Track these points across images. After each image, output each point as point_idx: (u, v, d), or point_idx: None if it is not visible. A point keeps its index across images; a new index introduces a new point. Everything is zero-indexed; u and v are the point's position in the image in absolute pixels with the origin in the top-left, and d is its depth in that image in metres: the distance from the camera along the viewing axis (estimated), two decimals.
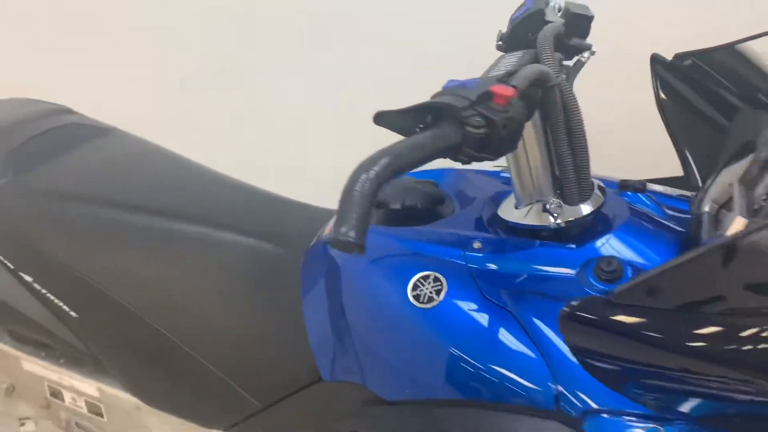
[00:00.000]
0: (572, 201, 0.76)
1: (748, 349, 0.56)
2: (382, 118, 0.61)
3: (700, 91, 0.94)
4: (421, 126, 0.62)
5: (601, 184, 0.81)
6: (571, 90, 0.76)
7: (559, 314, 0.63)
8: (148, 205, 1.10)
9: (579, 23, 0.88)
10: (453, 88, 0.62)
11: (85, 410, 1.17)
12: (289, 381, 0.92)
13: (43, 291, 1.07)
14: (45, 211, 1.09)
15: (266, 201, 1.14)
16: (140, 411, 1.08)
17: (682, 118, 0.95)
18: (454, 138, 0.59)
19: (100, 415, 1.15)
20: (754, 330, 0.55)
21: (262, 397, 0.95)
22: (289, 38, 1.93)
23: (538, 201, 0.78)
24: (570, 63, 0.89)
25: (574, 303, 0.61)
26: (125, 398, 1.08)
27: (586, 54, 0.88)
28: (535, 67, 0.70)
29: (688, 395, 0.60)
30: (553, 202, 0.77)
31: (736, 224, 0.63)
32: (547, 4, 0.89)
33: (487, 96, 0.60)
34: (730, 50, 0.91)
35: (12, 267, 1.09)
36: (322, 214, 1.02)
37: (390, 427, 0.76)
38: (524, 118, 0.64)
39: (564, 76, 0.77)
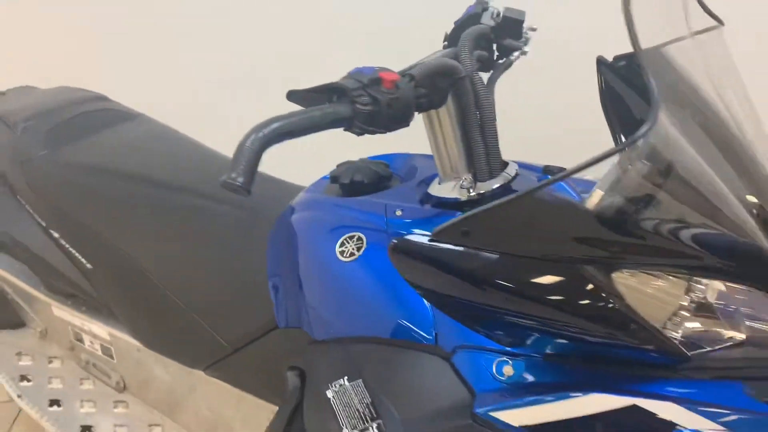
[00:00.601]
0: (483, 178, 0.89)
1: (549, 292, 0.66)
2: (293, 95, 0.75)
3: (633, 90, 1.04)
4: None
5: (517, 167, 0.93)
6: (482, 81, 0.88)
7: (389, 246, 0.75)
8: (158, 178, 1.29)
9: (512, 26, 1.00)
10: (354, 73, 0.76)
11: (99, 352, 1.36)
12: (253, 328, 1.08)
13: (67, 246, 1.27)
14: (73, 179, 1.29)
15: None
16: (140, 353, 1.26)
17: (619, 115, 1.05)
18: (345, 113, 0.72)
19: (111, 356, 1.34)
20: (550, 274, 0.66)
21: (231, 342, 1.11)
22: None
23: (455, 178, 0.90)
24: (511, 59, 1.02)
25: (400, 238, 0.72)
26: (130, 342, 1.26)
27: (516, 53, 1.00)
28: (438, 60, 0.83)
29: (524, 333, 0.71)
30: (467, 178, 0.89)
31: (593, 195, 0.74)
32: (485, 8, 1.02)
33: (377, 80, 0.74)
34: (656, 52, 1.01)
35: (44, 224, 1.30)
36: (297, 190, 1.17)
37: (315, 362, 0.90)
38: (411, 100, 0.76)
39: (476, 69, 0.89)
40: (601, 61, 1.04)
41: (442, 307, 0.73)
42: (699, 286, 0.71)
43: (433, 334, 0.79)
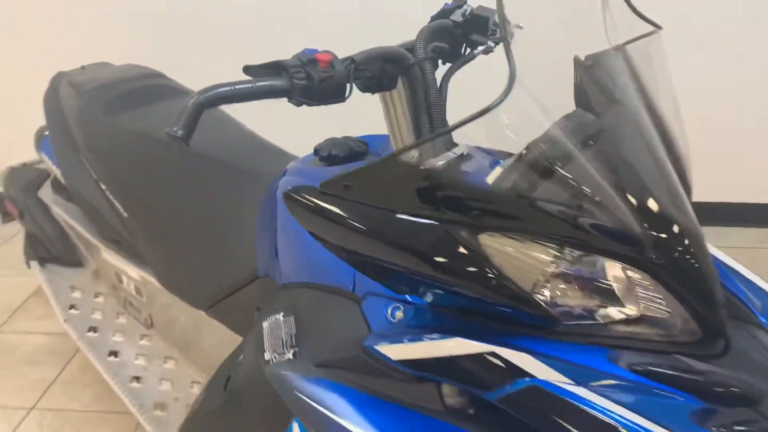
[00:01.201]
0: (427, 156, 1.00)
1: (420, 248, 0.76)
2: (249, 70, 0.90)
3: (598, 87, 1.11)
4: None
5: (467, 149, 1.03)
6: (432, 69, 0.99)
7: (282, 194, 0.87)
8: (192, 148, 1.48)
9: (480, 24, 1.10)
10: (299, 53, 0.90)
11: (134, 292, 1.58)
12: (241, 277, 1.24)
13: (111, 197, 1.49)
14: (121, 141, 1.51)
15: (260, 148, 1.48)
16: (163, 294, 1.46)
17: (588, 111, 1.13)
18: (283, 86, 0.86)
19: (142, 296, 1.56)
20: (420, 231, 0.76)
21: (225, 288, 1.28)
22: None
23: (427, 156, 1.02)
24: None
25: (294, 187, 0.84)
26: (154, 283, 1.47)
27: (480, 48, 1.10)
28: (386, 48, 0.95)
29: (409, 284, 0.82)
30: (414, 155, 1.01)
31: (495, 171, 0.84)
32: (459, 6, 1.13)
33: (313, 60, 0.87)
34: (617, 52, 1.08)
35: (95, 177, 1.53)
36: (292, 158, 1.33)
37: (268, 302, 1.05)
38: (344, 80, 0.89)
39: (428, 58, 1.00)
40: (576, 61, 1.12)
41: (336, 255, 0.85)
42: (569, 256, 0.79)
43: (352, 282, 0.92)
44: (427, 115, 0.99)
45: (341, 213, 0.77)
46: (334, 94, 0.90)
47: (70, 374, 1.92)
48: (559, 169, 0.79)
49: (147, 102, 1.62)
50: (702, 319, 0.80)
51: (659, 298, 0.80)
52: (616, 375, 0.77)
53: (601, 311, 0.80)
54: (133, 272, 1.54)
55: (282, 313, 0.98)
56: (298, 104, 0.89)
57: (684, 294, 0.79)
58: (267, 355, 0.93)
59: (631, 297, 0.81)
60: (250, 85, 0.85)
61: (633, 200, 0.80)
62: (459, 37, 1.10)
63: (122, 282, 1.61)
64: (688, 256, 0.80)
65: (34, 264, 1.77)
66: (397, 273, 0.80)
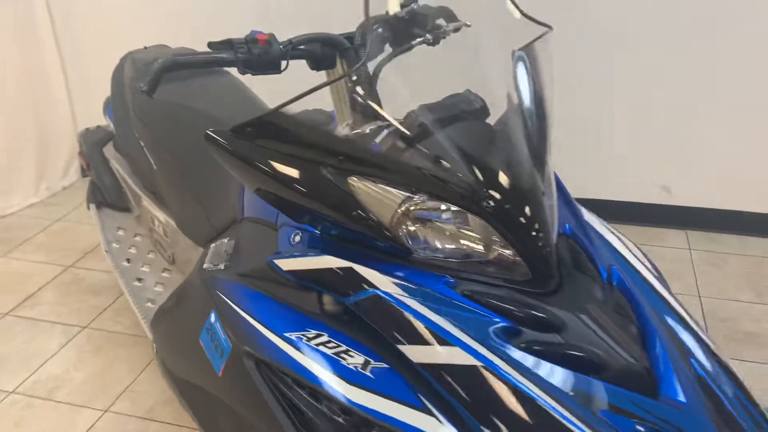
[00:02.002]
0: (359, 124, 1.24)
1: (303, 186, 0.98)
2: (212, 45, 1.17)
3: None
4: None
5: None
6: (364, 54, 1.22)
7: (204, 134, 1.11)
8: (214, 114, 1.78)
9: (420, 19, 1.32)
10: (248, 33, 1.16)
11: (162, 233, 1.91)
12: (229, 218, 1.53)
13: (147, 154, 1.82)
14: (158, 108, 1.83)
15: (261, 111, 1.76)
16: (177, 233, 1.77)
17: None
18: (229, 58, 1.12)
19: (167, 236, 1.88)
20: (303, 170, 0.98)
21: (217, 228, 1.57)
22: None
23: (344, 123, 1.26)
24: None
25: (214, 129, 1.07)
26: (172, 224, 1.79)
27: (417, 40, 1.31)
28: (325, 34, 1.20)
29: (302, 214, 1.05)
30: (348, 124, 1.25)
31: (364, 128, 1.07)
32: (407, 4, 1.35)
33: (254, 39, 1.13)
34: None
35: (137, 137, 1.86)
36: None
37: (235, 234, 1.32)
38: (278, 56, 1.14)
39: (362, 44, 1.23)
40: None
41: (249, 188, 1.10)
42: (419, 199, 1.00)
43: (276, 216, 1.17)
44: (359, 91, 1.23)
45: (244, 153, 1.02)
46: (270, 67, 1.15)
47: (119, 304, 2.30)
48: (417, 135, 1.01)
49: (185, 78, 1.93)
50: (531, 262, 0.99)
51: (498, 242, 1.00)
52: (446, 295, 0.98)
53: (446, 247, 1.01)
54: (161, 217, 1.87)
55: (227, 238, 1.25)
56: (243, 73, 1.16)
57: (513, 239, 0.99)
58: (205, 265, 1.20)
59: (477, 239, 1.01)
60: (205, 56, 1.13)
61: (475, 163, 1.00)
62: (401, 29, 1.32)
63: (155, 225, 1.94)
64: (518, 210, 0.99)
65: (92, 206, 2.15)
66: (292, 205, 1.05)
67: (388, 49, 1.30)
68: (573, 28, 2.42)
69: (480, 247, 1.01)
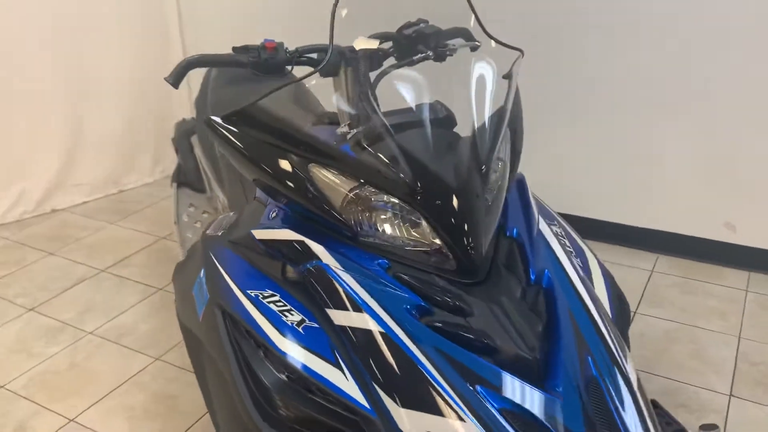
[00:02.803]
0: (354, 126, 1.41)
1: (273, 169, 1.18)
2: (235, 49, 1.40)
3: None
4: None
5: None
6: (367, 64, 1.38)
7: (204, 120, 1.31)
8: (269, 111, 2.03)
9: (424, 38, 1.47)
10: (262, 41, 1.37)
11: (222, 212, 2.18)
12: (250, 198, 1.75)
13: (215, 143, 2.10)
14: (226, 102, 2.11)
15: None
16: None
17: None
18: (244, 60, 1.34)
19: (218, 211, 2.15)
20: (274, 157, 1.17)
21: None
22: None
23: (345, 123, 1.45)
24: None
25: (210, 116, 1.26)
26: (227, 204, 2.05)
27: (419, 56, 1.46)
28: (324, 45, 1.39)
29: (276, 195, 1.24)
30: (345, 126, 1.43)
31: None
32: (415, 24, 1.51)
33: (263, 46, 1.34)
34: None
35: (210, 111, 2.15)
36: None
37: (240, 210, 1.54)
38: (283, 61, 1.34)
39: (367, 56, 1.40)
40: None
41: (238, 168, 1.30)
42: (367, 190, 1.16)
43: (265, 196, 1.38)
44: (359, 95, 1.40)
45: (230, 138, 1.24)
46: (276, 70, 1.36)
47: None
48: (376, 135, 1.18)
49: (257, 80, 2.20)
50: (456, 255, 1.13)
51: (431, 234, 1.14)
52: (376, 274, 1.14)
53: (386, 234, 1.17)
54: (222, 197, 2.14)
55: (233, 213, 1.47)
56: (253, 74, 1.37)
57: (441, 233, 1.13)
58: (208, 231, 1.43)
59: (415, 231, 1.16)
60: (225, 57, 1.35)
61: (416, 162, 1.15)
62: (406, 46, 1.48)
63: (219, 206, 2.23)
64: (448, 207, 1.13)
65: (174, 185, 2.49)
66: (267, 186, 1.25)
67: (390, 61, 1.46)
68: (644, 55, 2.44)
69: (416, 237, 1.15)
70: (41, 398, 1.97)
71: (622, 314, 1.33)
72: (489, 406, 0.97)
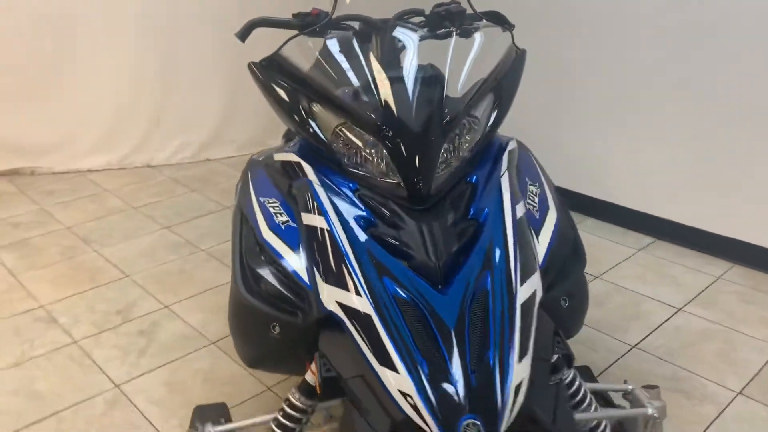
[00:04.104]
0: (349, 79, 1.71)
1: (291, 108, 1.52)
2: (293, 15, 1.76)
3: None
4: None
5: None
6: (393, 34, 1.68)
7: (249, 65, 1.65)
8: None
9: (452, 16, 1.73)
10: (310, 10, 1.72)
11: None
12: None
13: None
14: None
15: None
16: None
17: None
18: (296, 23, 1.70)
19: None
20: (290, 98, 1.50)
21: None
22: None
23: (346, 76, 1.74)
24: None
25: (253, 61, 1.60)
26: None
27: (442, 30, 1.72)
28: (359, 15, 1.71)
29: (295, 127, 1.58)
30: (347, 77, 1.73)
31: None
32: (446, 4, 1.77)
33: (309, 12, 1.69)
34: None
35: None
36: None
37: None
38: (324, 25, 1.68)
39: (394, 27, 1.69)
40: None
41: (274, 110, 1.66)
42: (347, 125, 1.46)
43: None
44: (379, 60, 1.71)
45: (261, 80, 1.60)
46: (319, 34, 1.70)
47: None
48: (366, 84, 1.48)
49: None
50: (407, 185, 1.40)
51: (392, 168, 1.43)
52: (344, 192, 1.44)
53: (359, 162, 1.47)
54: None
55: (280, 146, 1.84)
56: (299, 33, 1.73)
57: (397, 166, 1.41)
58: (254, 156, 1.81)
59: (381, 163, 1.45)
60: (282, 19, 1.72)
61: (388, 108, 1.43)
62: (434, 21, 1.75)
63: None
64: (406, 148, 1.40)
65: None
66: (287, 120, 1.60)
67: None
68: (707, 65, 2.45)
69: (381, 169, 1.44)
70: (151, 289, 2.51)
71: (572, 261, 1.52)
72: (385, 290, 1.24)
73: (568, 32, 2.91)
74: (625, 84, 2.78)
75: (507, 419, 1.13)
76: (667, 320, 2.30)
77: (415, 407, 1.13)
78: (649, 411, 1.47)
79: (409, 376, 1.15)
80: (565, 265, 1.52)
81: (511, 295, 1.27)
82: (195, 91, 3.80)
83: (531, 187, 1.59)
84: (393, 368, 1.16)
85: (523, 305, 1.27)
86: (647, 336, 2.21)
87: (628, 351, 2.14)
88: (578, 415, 1.45)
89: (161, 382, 2.00)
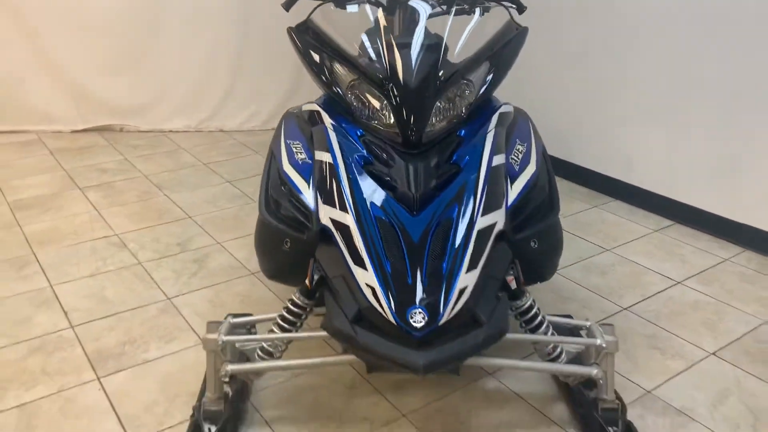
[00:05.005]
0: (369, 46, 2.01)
1: (322, 66, 1.82)
2: None
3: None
4: None
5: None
6: (415, 9, 1.96)
7: (287, 29, 1.95)
8: None
9: None
10: None
11: None
12: None
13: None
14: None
15: None
16: None
17: None
18: None
19: None
20: (318, 54, 1.81)
21: None
22: None
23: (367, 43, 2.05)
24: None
25: (292, 26, 1.90)
26: None
27: (454, 8, 1.99)
28: None
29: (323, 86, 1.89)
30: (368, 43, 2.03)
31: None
32: None
33: None
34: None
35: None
36: None
37: None
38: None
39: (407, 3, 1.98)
40: None
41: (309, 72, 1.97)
42: (357, 80, 1.75)
43: None
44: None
45: (298, 44, 1.91)
46: (342, 4, 2.00)
47: None
48: (377, 49, 1.77)
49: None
50: (401, 133, 1.68)
51: (391, 116, 1.72)
52: (351, 136, 1.74)
53: (367, 114, 1.76)
54: None
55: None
56: (327, 1, 2.03)
57: (397, 116, 1.69)
58: (289, 109, 2.13)
59: (386, 115, 1.74)
60: None
61: (392, 68, 1.71)
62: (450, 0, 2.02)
63: None
64: (404, 100, 1.68)
65: None
66: (316, 78, 1.91)
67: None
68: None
69: (384, 119, 1.72)
70: (208, 228, 2.90)
71: (545, 209, 1.78)
72: (368, 211, 1.53)
73: (603, 24, 3.09)
74: (658, 81, 2.94)
75: (448, 313, 1.41)
76: (663, 290, 2.47)
77: (376, 297, 1.42)
78: (598, 341, 1.69)
79: (374, 274, 1.44)
80: (538, 212, 1.76)
81: (471, 223, 1.54)
82: (265, 68, 4.19)
83: (519, 146, 1.84)
84: (364, 267, 1.46)
85: (479, 231, 1.54)
86: (640, 302, 2.40)
87: (618, 311, 2.34)
88: (534, 337, 1.71)
89: (205, 300, 2.37)
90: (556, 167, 3.47)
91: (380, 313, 1.41)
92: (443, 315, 1.40)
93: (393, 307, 1.40)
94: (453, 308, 1.42)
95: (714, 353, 2.12)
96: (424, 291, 1.42)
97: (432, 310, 1.40)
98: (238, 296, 2.40)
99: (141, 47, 4.03)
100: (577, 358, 1.79)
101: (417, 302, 1.41)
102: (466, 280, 1.45)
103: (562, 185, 3.45)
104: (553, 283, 2.48)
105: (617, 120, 3.16)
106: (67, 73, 3.99)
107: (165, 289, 2.43)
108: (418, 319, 1.39)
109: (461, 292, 1.44)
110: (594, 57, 3.18)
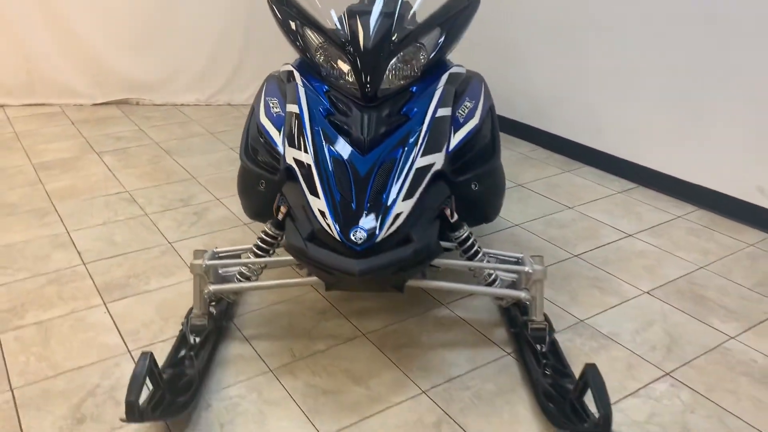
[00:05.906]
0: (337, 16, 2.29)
1: (293, 30, 2.09)
2: None
3: None
4: None
5: None
6: None
7: (267, 0, 2.23)
8: None
9: None
10: None
11: None
12: None
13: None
14: None
15: None
16: None
17: None
18: None
19: None
20: (291, 20, 2.08)
21: None
22: None
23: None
24: None
25: None
26: None
27: None
28: None
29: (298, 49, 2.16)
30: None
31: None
32: None
33: None
34: None
35: None
36: None
37: None
38: None
39: None
40: None
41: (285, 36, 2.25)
42: (325, 43, 2.03)
43: None
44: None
45: (277, 14, 2.19)
46: None
47: None
48: (342, 15, 2.05)
49: None
50: (360, 88, 1.96)
51: (350, 73, 1.99)
52: (317, 92, 2.03)
53: (331, 72, 2.04)
54: None
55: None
56: None
57: (356, 73, 1.97)
58: (272, 72, 2.41)
59: (348, 72, 2.01)
60: None
61: (353, 31, 1.99)
62: None
63: None
64: (361, 59, 1.95)
65: None
66: (291, 42, 2.19)
67: None
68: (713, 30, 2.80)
69: (346, 77, 2.00)
70: (210, 187, 3.22)
71: (486, 157, 2.04)
72: (326, 152, 1.81)
73: None
74: (626, 54, 3.17)
75: (384, 232, 1.69)
76: (614, 242, 2.72)
77: (326, 220, 1.71)
78: (527, 269, 1.96)
79: (325, 201, 1.73)
80: (479, 158, 2.03)
81: (411, 162, 1.82)
82: (271, 46, 4.46)
83: (468, 103, 2.11)
84: (317, 196, 1.75)
85: (418, 169, 1.81)
86: (590, 250, 2.65)
87: (569, 258, 2.60)
88: (470, 263, 1.99)
89: (202, 244, 2.67)
90: (534, 136, 3.74)
91: (328, 233, 1.70)
92: (380, 234, 1.69)
93: (339, 227, 1.69)
94: (389, 229, 1.70)
95: (648, 292, 2.37)
96: (365, 214, 1.71)
97: (371, 229, 1.68)
98: (231, 242, 2.70)
99: (157, 27, 4.35)
100: (512, 286, 2.06)
101: (359, 223, 1.69)
102: (402, 207, 1.73)
103: (540, 153, 3.70)
104: (513, 234, 2.75)
105: (590, 89, 3.40)
106: (89, 51, 4.34)
107: (167, 235, 2.74)
108: (359, 237, 1.68)
109: (397, 216, 1.72)
110: (554, 27, 3.41)
